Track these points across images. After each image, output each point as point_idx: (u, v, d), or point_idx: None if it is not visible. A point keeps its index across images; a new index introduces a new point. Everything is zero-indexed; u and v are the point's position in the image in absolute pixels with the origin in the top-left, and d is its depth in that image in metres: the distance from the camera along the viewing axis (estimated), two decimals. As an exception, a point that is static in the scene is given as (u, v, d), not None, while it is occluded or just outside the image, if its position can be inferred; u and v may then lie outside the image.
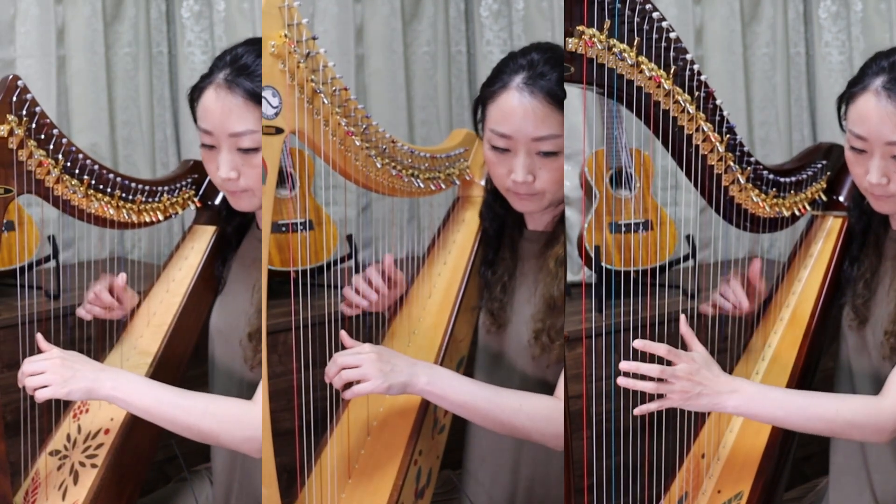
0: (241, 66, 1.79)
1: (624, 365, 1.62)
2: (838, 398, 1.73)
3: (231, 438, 1.74)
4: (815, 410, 1.68)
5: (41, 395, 1.71)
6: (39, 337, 1.79)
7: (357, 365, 1.69)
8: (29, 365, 1.73)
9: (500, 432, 1.77)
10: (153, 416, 1.74)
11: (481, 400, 1.73)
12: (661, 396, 1.63)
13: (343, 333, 1.77)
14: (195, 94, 1.84)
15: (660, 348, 1.63)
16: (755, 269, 1.94)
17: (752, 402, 1.66)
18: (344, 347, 1.75)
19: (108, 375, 1.75)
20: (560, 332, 1.85)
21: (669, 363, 1.63)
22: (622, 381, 1.62)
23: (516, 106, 1.77)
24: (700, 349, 1.69)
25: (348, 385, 1.70)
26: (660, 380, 1.61)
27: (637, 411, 1.65)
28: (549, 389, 1.82)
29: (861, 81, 1.73)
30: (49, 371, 1.72)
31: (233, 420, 1.72)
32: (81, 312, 2.03)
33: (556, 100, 1.76)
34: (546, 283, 1.87)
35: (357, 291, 1.95)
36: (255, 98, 1.77)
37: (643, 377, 1.62)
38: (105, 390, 1.73)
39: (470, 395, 1.73)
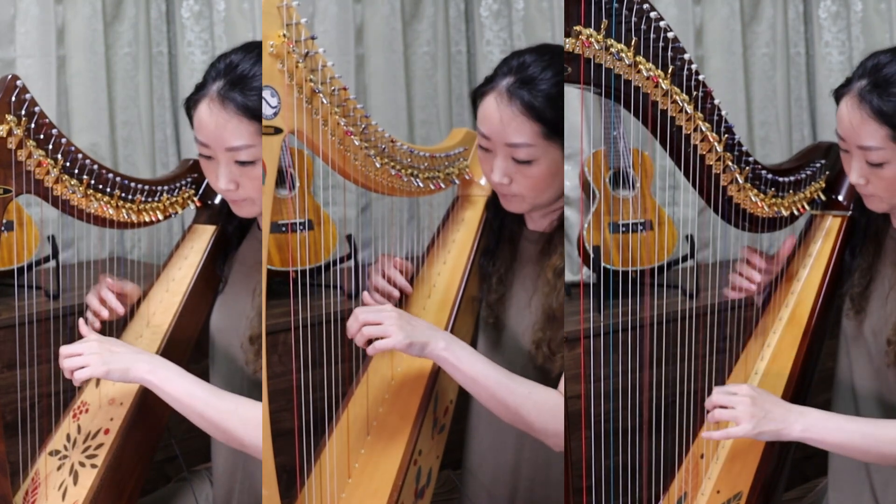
0: (235, 76, 1.77)
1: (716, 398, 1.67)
2: None
3: (251, 442, 1.73)
4: (877, 436, 1.66)
5: (80, 376, 1.74)
6: (81, 322, 1.83)
7: (378, 322, 1.72)
8: (67, 348, 1.76)
9: (503, 417, 1.77)
10: (182, 407, 1.75)
11: (493, 379, 1.75)
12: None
13: (365, 295, 1.81)
14: (190, 104, 1.83)
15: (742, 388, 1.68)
16: (788, 247, 1.95)
17: (816, 426, 1.66)
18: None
19: (146, 359, 1.77)
20: (560, 344, 1.85)
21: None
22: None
23: (493, 111, 1.80)
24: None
25: (370, 342, 1.73)
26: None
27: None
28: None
29: (848, 83, 1.73)
30: (87, 353, 1.75)
31: (259, 426, 1.72)
32: (91, 317, 2.00)
33: (532, 110, 1.77)
34: (545, 294, 1.88)
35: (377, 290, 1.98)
36: (249, 112, 1.75)
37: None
38: (141, 372, 1.75)
39: (482, 371, 1.75)
